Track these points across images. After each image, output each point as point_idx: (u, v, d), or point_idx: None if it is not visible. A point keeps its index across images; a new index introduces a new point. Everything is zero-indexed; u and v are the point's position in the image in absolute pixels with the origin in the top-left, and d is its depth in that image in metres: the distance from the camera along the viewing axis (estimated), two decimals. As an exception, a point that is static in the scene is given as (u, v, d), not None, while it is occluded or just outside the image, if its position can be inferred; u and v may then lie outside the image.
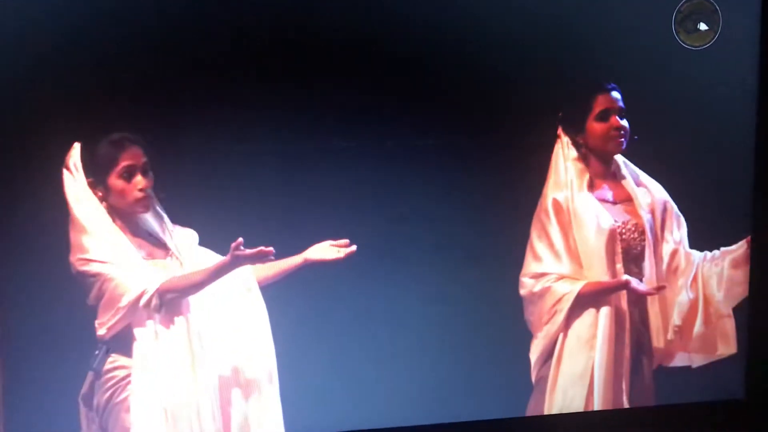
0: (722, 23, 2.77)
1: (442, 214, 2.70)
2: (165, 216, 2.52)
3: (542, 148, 2.75)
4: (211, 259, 2.52)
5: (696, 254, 2.82)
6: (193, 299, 2.51)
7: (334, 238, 2.59)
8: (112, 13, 2.44)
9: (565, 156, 2.73)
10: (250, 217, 2.56)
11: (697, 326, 2.82)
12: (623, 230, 2.75)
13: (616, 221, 2.74)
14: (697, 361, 2.84)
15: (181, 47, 2.48)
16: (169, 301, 2.47)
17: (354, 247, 2.59)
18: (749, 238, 2.83)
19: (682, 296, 2.81)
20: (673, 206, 2.80)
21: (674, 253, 2.80)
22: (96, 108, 2.45)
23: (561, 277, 2.72)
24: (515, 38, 2.68)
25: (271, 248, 2.46)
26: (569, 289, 2.71)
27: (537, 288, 2.72)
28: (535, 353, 2.75)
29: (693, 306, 2.82)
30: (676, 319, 2.81)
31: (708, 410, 2.89)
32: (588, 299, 2.72)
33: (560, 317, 2.72)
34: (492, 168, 2.70)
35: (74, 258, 2.43)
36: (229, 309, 2.55)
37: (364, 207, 2.65)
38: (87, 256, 2.43)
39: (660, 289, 2.76)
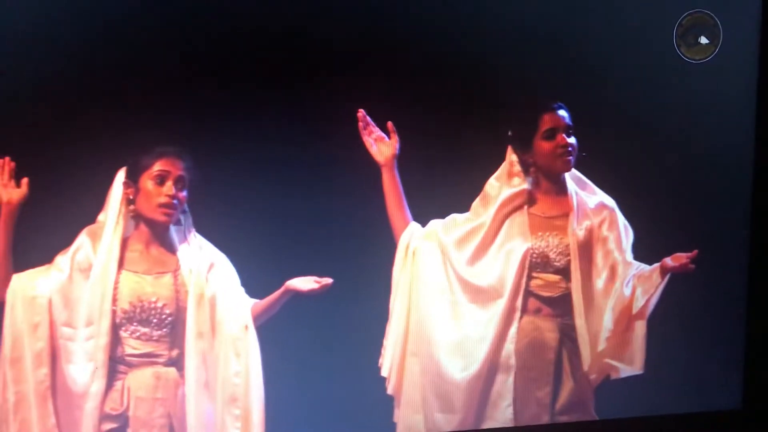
0: (723, 37, 2.80)
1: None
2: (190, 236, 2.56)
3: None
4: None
5: (636, 265, 2.74)
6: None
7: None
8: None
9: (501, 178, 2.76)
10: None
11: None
12: (549, 245, 2.72)
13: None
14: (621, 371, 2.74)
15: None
16: None
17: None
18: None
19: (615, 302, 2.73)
20: (616, 219, 2.74)
21: (613, 266, 2.74)
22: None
23: None
24: (499, 46, 2.75)
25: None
26: None
27: None
28: None
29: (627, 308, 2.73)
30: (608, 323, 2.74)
31: (706, 420, 2.91)
32: None
33: None
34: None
35: None
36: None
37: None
38: None
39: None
